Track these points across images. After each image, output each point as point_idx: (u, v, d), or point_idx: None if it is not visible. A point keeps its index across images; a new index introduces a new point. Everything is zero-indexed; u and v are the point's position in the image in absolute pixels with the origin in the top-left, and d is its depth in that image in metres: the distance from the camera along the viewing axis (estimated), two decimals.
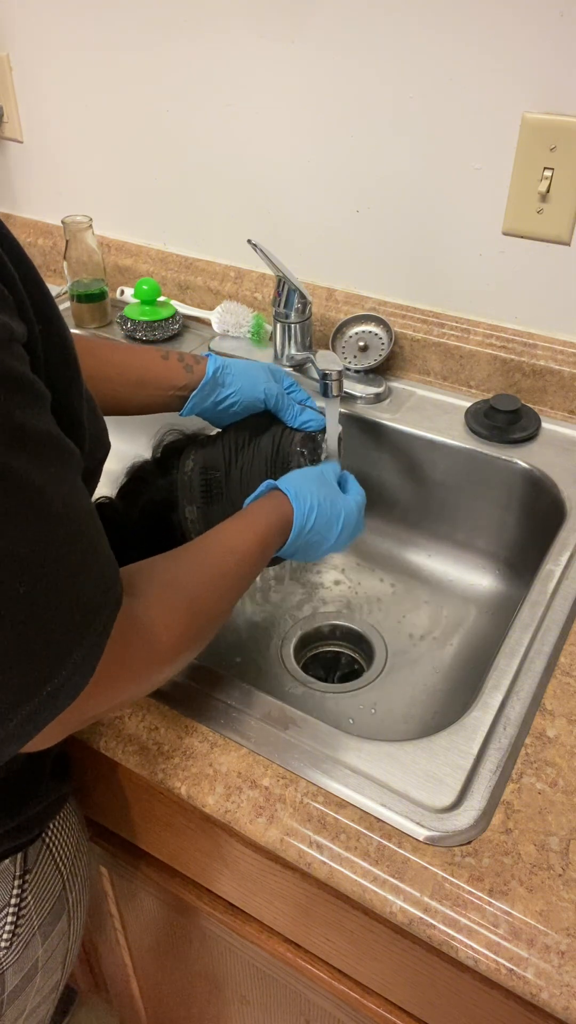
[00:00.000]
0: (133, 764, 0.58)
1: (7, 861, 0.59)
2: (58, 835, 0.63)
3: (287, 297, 0.95)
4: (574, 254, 0.87)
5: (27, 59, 1.15)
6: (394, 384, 1.00)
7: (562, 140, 0.81)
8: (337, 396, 0.78)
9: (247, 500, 0.64)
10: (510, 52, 0.80)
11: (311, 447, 0.73)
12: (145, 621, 0.47)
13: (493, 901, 0.49)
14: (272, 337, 1.01)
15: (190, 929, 0.78)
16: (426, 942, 0.49)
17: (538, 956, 0.46)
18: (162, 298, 1.13)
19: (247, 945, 0.71)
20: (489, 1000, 0.54)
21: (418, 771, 0.56)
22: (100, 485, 0.58)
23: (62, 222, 1.08)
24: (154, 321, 1.09)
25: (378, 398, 0.97)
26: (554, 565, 0.73)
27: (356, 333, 1.00)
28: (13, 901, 0.59)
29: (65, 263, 1.11)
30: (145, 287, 1.09)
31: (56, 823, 0.63)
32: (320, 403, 0.77)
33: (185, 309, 1.14)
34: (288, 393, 0.75)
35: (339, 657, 0.89)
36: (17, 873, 0.60)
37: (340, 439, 0.76)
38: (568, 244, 0.86)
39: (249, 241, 0.87)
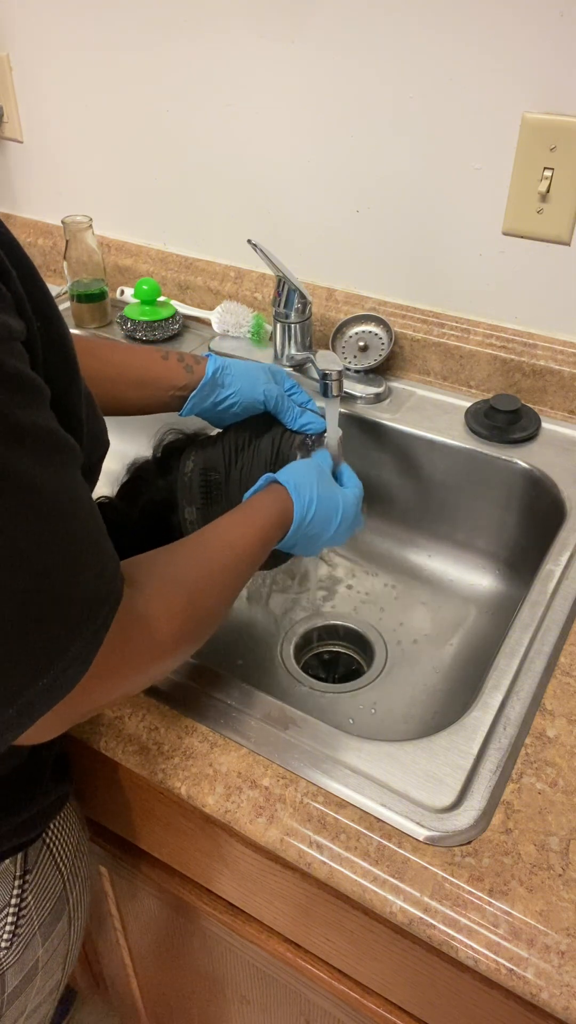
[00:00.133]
0: (133, 764, 0.58)
1: (7, 861, 0.59)
2: (58, 835, 0.63)
3: (287, 297, 0.95)
4: (574, 254, 0.87)
5: (27, 59, 1.15)
6: (394, 384, 1.00)
7: (562, 140, 0.81)
8: (337, 396, 0.78)
9: (246, 494, 0.64)
10: (510, 52, 0.80)
11: (310, 450, 0.73)
12: (145, 614, 0.47)
13: (493, 901, 0.49)
14: (272, 337, 1.01)
15: (190, 929, 0.78)
16: (426, 942, 0.49)
17: (538, 956, 0.46)
18: (162, 298, 1.13)
19: (247, 945, 0.71)
20: (489, 1000, 0.54)
21: (418, 771, 0.56)
22: (100, 484, 0.58)
23: (62, 222, 1.08)
24: (154, 321, 1.09)
25: (378, 398, 0.97)
26: (554, 565, 0.73)
27: (356, 333, 1.00)
28: (13, 901, 0.59)
29: (65, 263, 1.11)
30: (145, 287, 1.09)
31: (56, 823, 0.63)
32: (320, 403, 0.77)
33: (185, 309, 1.14)
34: (289, 395, 0.75)
35: (339, 657, 0.89)
36: (17, 873, 0.60)
37: (340, 438, 0.76)
38: (568, 244, 0.86)
39: (249, 241, 0.87)
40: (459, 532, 0.95)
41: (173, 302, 1.14)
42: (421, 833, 0.52)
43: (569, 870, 0.50)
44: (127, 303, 1.15)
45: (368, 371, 1.00)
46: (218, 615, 0.55)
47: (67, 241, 1.09)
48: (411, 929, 0.49)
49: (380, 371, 1.01)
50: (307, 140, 0.97)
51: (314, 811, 0.54)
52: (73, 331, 0.88)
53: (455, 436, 0.91)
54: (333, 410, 0.76)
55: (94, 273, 1.11)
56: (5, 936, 0.59)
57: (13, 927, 0.60)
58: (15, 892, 0.59)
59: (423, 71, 0.86)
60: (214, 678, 0.63)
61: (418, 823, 0.52)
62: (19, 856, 0.60)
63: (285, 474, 0.65)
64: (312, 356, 0.96)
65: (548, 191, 0.84)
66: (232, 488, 0.71)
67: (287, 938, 0.68)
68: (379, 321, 0.99)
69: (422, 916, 0.49)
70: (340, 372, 0.78)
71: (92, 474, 0.55)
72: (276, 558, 0.67)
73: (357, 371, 1.00)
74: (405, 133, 0.90)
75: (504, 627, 0.70)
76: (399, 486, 0.97)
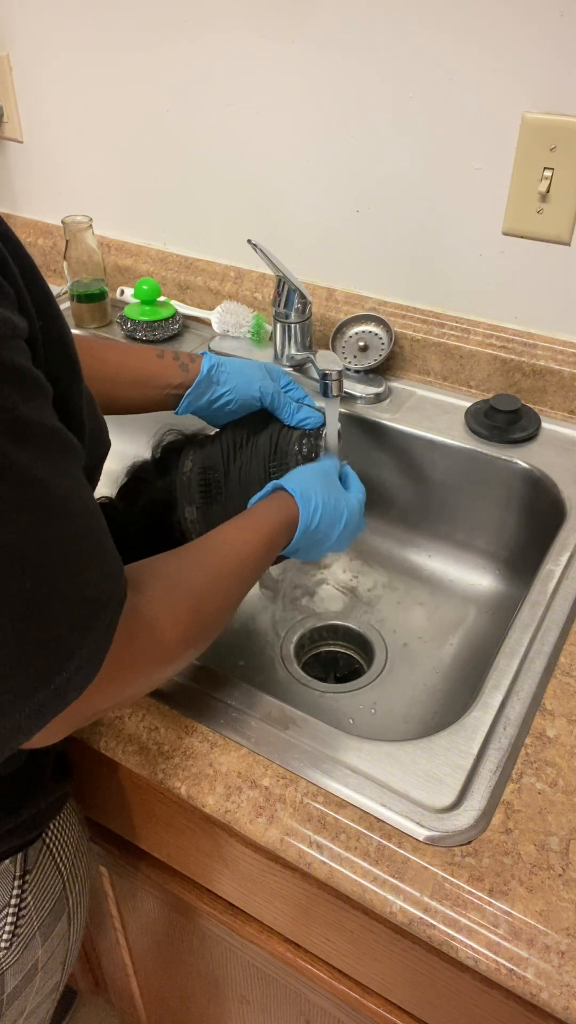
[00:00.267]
0: (133, 764, 0.58)
1: (7, 861, 0.59)
2: (58, 835, 0.63)
3: (287, 297, 0.95)
4: (574, 254, 0.87)
5: (27, 59, 1.15)
6: (394, 384, 1.00)
7: (562, 140, 0.81)
8: (337, 396, 0.78)
9: (252, 499, 0.64)
10: (510, 52, 0.80)
11: (309, 445, 0.72)
12: (150, 617, 0.47)
13: (493, 901, 0.49)
14: (272, 337, 1.01)
15: (190, 929, 0.78)
16: (426, 942, 0.49)
17: (538, 956, 0.46)
18: (162, 298, 1.13)
19: (247, 945, 0.71)
20: (489, 1000, 0.54)
21: (418, 771, 0.56)
22: (100, 485, 0.58)
23: (62, 222, 1.08)
24: (154, 321, 1.09)
25: (378, 398, 0.97)
26: (554, 565, 0.73)
27: (356, 333, 1.00)
28: (13, 902, 0.59)
29: (65, 263, 1.11)
30: (145, 287, 1.09)
31: (56, 823, 0.63)
32: (320, 403, 0.77)
33: (185, 309, 1.14)
34: (286, 391, 0.75)
35: (339, 657, 0.89)
36: (17, 873, 0.60)
37: (340, 438, 0.76)
38: (568, 244, 0.86)
39: (249, 241, 0.87)
40: (459, 532, 0.95)
41: (173, 302, 1.14)
42: (421, 833, 0.52)
43: (569, 870, 0.50)
44: (127, 303, 1.15)
45: (368, 371, 1.00)
46: (222, 620, 0.55)
47: (67, 241, 1.09)
48: (411, 929, 0.49)
49: (380, 371, 1.01)
50: (307, 140, 0.97)
51: (314, 811, 0.54)
52: (72, 331, 0.88)
53: (455, 436, 0.91)
54: (333, 410, 0.76)
55: (94, 273, 1.11)
56: (5, 936, 0.59)
57: (13, 927, 0.60)
58: (15, 892, 0.59)
59: (423, 71, 0.86)
60: (214, 678, 0.63)
61: (418, 823, 0.52)
62: (19, 856, 0.60)
63: (291, 480, 0.65)
64: (312, 356, 0.96)
65: (548, 191, 0.84)
66: (232, 487, 0.71)
67: (287, 938, 0.68)
68: (379, 321, 0.99)
69: (422, 916, 0.49)
70: (340, 372, 0.78)
71: (93, 475, 0.55)
72: (276, 558, 0.67)
73: (357, 371, 1.00)
74: (405, 133, 0.90)
75: (504, 627, 0.70)
76: (399, 486, 0.97)
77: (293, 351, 1.00)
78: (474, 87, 0.84)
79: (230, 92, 0.99)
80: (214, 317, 1.10)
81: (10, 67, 1.17)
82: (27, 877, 0.60)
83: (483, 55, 0.82)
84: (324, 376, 0.78)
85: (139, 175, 1.14)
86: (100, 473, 0.57)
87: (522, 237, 0.89)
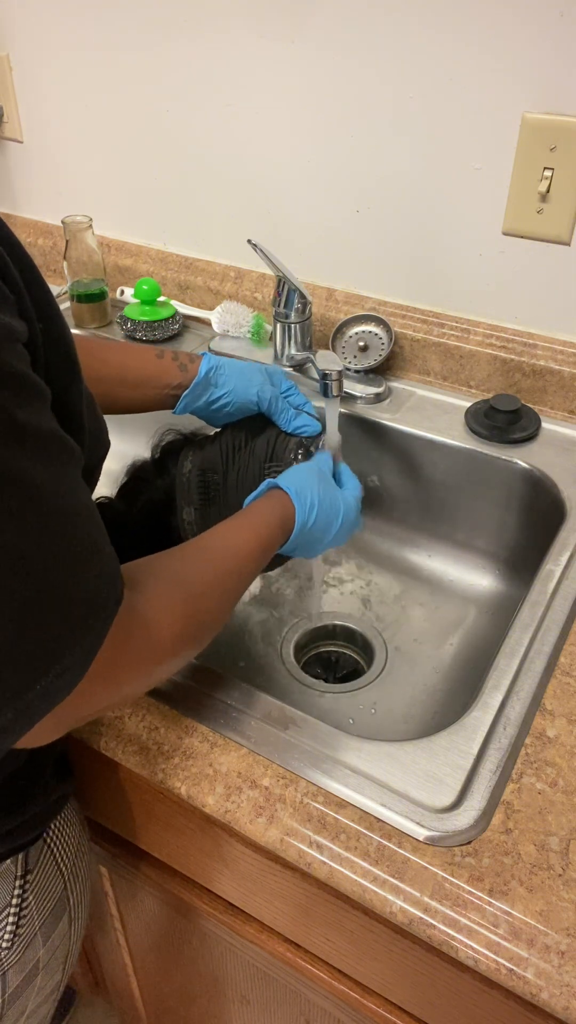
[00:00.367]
0: (133, 764, 0.58)
1: (8, 861, 0.59)
2: (59, 835, 0.63)
3: (287, 297, 0.95)
4: (574, 254, 0.87)
5: (27, 59, 1.15)
6: (394, 384, 1.00)
7: (562, 140, 0.81)
8: (337, 396, 0.78)
9: (248, 499, 0.64)
10: (510, 52, 0.80)
11: (304, 455, 0.72)
12: (145, 617, 0.47)
13: (493, 901, 0.49)
14: (272, 337, 1.01)
15: (190, 929, 0.78)
16: (426, 942, 0.49)
17: (538, 956, 0.46)
18: (162, 298, 1.13)
19: (247, 945, 0.71)
20: (489, 1000, 0.54)
21: (418, 771, 0.56)
22: (100, 485, 0.58)
23: (62, 222, 1.08)
24: (154, 321, 1.09)
25: (378, 398, 0.97)
26: (554, 565, 0.73)
27: (356, 333, 1.00)
28: (14, 902, 0.59)
29: (65, 263, 1.11)
30: (145, 287, 1.09)
31: (57, 823, 0.63)
32: (320, 403, 0.77)
33: (185, 309, 1.14)
34: (286, 396, 0.75)
35: (339, 657, 0.89)
36: (18, 873, 0.60)
37: (338, 440, 0.76)
38: (568, 244, 0.86)
39: (249, 241, 0.87)
40: (459, 532, 0.95)
41: (173, 302, 1.14)
42: (421, 833, 0.52)
43: (569, 870, 0.50)
44: (127, 303, 1.15)
45: (368, 371, 1.00)
46: (219, 619, 0.55)
47: (67, 241, 1.09)
48: (411, 929, 0.49)
49: (380, 371, 1.01)
50: (307, 140, 0.97)
51: (314, 811, 0.54)
52: (72, 331, 0.88)
53: (455, 436, 0.91)
54: (333, 410, 0.76)
55: (94, 273, 1.11)
56: (6, 936, 0.59)
57: (14, 927, 0.60)
58: (16, 892, 0.60)
59: (423, 71, 0.86)
60: (214, 678, 0.63)
61: (418, 823, 0.52)
62: (20, 856, 0.60)
63: (286, 479, 0.65)
64: (312, 356, 0.96)
65: (548, 191, 0.84)
66: (230, 488, 0.71)
67: (287, 938, 0.68)
68: (379, 321, 0.99)
69: (422, 916, 0.49)
70: (340, 372, 0.78)
71: (93, 475, 0.55)
72: (276, 559, 0.67)
73: (357, 371, 1.00)
74: (405, 133, 0.90)
75: (504, 627, 0.70)
76: (399, 486, 0.97)
77: (293, 351, 1.00)
78: (474, 87, 0.84)
79: (230, 92, 0.99)
80: (214, 317, 1.10)
81: (10, 67, 1.17)
82: (28, 877, 0.60)
83: (483, 55, 0.82)
84: (324, 376, 0.78)
85: (139, 175, 1.14)
86: (99, 473, 0.57)
87: (522, 237, 0.89)
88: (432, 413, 0.95)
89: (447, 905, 0.49)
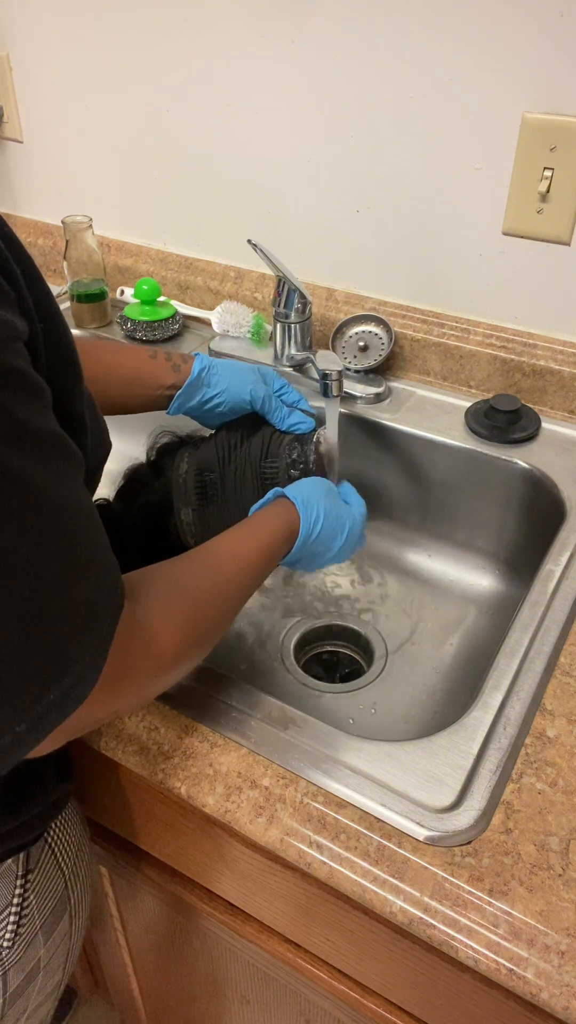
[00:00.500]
0: (133, 764, 0.58)
1: (9, 861, 0.59)
2: (60, 835, 0.63)
3: (287, 297, 0.95)
4: (574, 254, 0.87)
5: (27, 59, 1.15)
6: (394, 384, 1.00)
7: (562, 140, 0.81)
8: (337, 396, 0.78)
9: (253, 507, 0.64)
10: (510, 52, 0.80)
11: (298, 451, 0.72)
12: (147, 626, 0.46)
13: (493, 901, 0.49)
14: (272, 337, 1.01)
15: (190, 929, 0.78)
16: (426, 942, 0.49)
17: (538, 956, 0.47)
18: (162, 298, 1.13)
19: (247, 945, 0.71)
20: (489, 1000, 0.54)
21: (418, 771, 0.56)
22: (100, 485, 0.58)
23: (62, 222, 1.08)
24: (154, 321, 1.09)
25: (378, 398, 0.97)
26: (554, 565, 0.73)
27: (356, 333, 1.00)
28: (16, 901, 0.60)
29: (65, 263, 1.11)
30: (145, 287, 1.09)
31: (58, 823, 0.63)
32: (320, 403, 0.77)
33: (185, 309, 1.14)
34: (280, 395, 0.75)
35: (339, 657, 0.89)
36: (19, 873, 0.60)
37: (337, 440, 0.75)
38: (568, 244, 0.87)
39: (249, 241, 0.87)
40: (459, 532, 0.95)
41: (173, 302, 1.14)
42: (421, 833, 0.52)
43: (569, 870, 0.50)
44: (127, 303, 1.15)
45: (368, 371, 1.00)
46: (221, 627, 0.55)
47: (67, 241, 1.09)
48: (411, 929, 0.49)
49: (380, 371, 1.01)
50: (307, 140, 0.97)
51: (314, 811, 0.54)
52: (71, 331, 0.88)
53: (455, 436, 0.91)
54: (333, 410, 0.76)
55: (94, 273, 1.11)
56: (7, 936, 0.59)
57: (15, 927, 0.60)
58: (17, 892, 0.60)
59: (423, 71, 0.86)
60: (214, 678, 0.63)
61: (418, 823, 0.52)
62: (21, 856, 0.60)
63: (293, 489, 0.65)
64: (312, 356, 0.96)
65: (548, 191, 0.84)
66: (227, 488, 0.71)
67: (287, 938, 0.68)
68: (379, 321, 0.99)
69: (422, 916, 0.49)
70: (340, 372, 0.78)
71: (94, 477, 0.55)
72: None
73: (357, 371, 1.00)
74: (405, 133, 0.90)
75: (504, 627, 0.70)
76: (399, 486, 0.97)
77: (293, 351, 1.00)
78: (474, 87, 0.84)
79: (230, 92, 0.99)
80: (214, 317, 1.10)
81: (10, 67, 1.17)
82: (29, 877, 0.60)
83: (483, 55, 0.82)
84: (324, 376, 0.78)
85: (139, 175, 1.14)
86: (100, 474, 0.57)
87: (522, 237, 0.89)
88: (432, 413, 0.95)
89: (447, 905, 0.49)
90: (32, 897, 0.61)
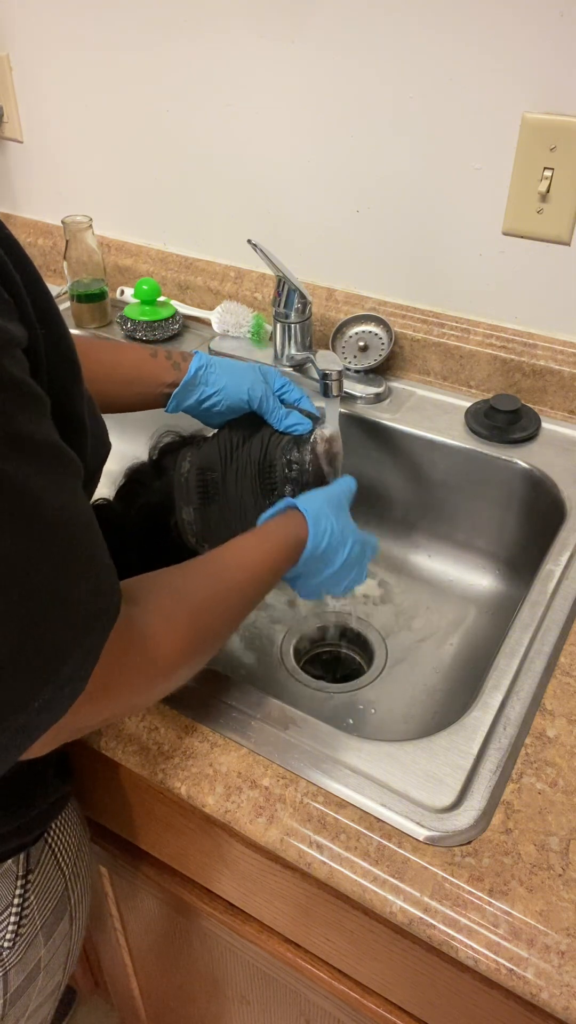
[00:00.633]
0: (133, 764, 0.58)
1: (10, 862, 0.59)
2: (60, 835, 0.64)
3: (287, 297, 0.95)
4: (574, 254, 0.87)
5: (27, 59, 1.15)
6: (394, 384, 1.00)
7: (562, 140, 0.81)
8: (337, 396, 0.78)
9: (263, 516, 0.63)
10: (510, 52, 0.80)
11: (296, 452, 0.71)
12: (145, 630, 0.46)
13: (493, 901, 0.49)
14: (272, 337, 1.01)
15: (190, 929, 0.78)
16: (426, 942, 0.49)
17: (538, 956, 0.47)
18: (162, 298, 1.13)
19: (247, 945, 0.71)
20: (489, 1000, 0.54)
21: (418, 771, 0.56)
22: (100, 485, 0.58)
23: (62, 222, 1.08)
24: (154, 321, 1.09)
25: (378, 398, 0.97)
26: (554, 565, 0.73)
27: (356, 333, 1.00)
28: (16, 902, 0.60)
29: (65, 263, 1.11)
30: (145, 287, 1.09)
31: (58, 823, 0.63)
32: (320, 403, 0.77)
33: (185, 309, 1.14)
34: (281, 394, 0.75)
35: (339, 657, 0.89)
36: (20, 873, 0.60)
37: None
38: (568, 244, 0.87)
39: (249, 241, 0.87)
40: (459, 532, 0.95)
41: (173, 302, 1.14)
42: (421, 833, 0.52)
43: (569, 870, 0.50)
44: (127, 303, 1.15)
45: (368, 371, 1.00)
46: (222, 636, 0.54)
47: (67, 241, 1.09)
48: (411, 929, 0.49)
49: (380, 371, 1.01)
50: (307, 140, 0.97)
51: (314, 811, 0.54)
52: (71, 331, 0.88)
53: (455, 436, 0.91)
54: (333, 410, 0.76)
55: (94, 273, 1.11)
56: (8, 936, 0.59)
57: (16, 927, 0.60)
58: (18, 892, 0.60)
59: (423, 71, 0.86)
60: (214, 678, 0.63)
61: (418, 823, 0.52)
62: (21, 856, 0.60)
63: (305, 500, 0.64)
64: (312, 356, 0.96)
65: (548, 191, 0.84)
66: (229, 487, 0.70)
67: (287, 938, 0.68)
68: (379, 321, 0.99)
69: (422, 916, 0.49)
70: (340, 372, 0.78)
71: (94, 477, 0.55)
72: None
73: (357, 371, 1.00)
74: (405, 133, 0.90)
75: (504, 627, 0.70)
76: (399, 486, 0.97)
77: (293, 351, 1.00)
78: (474, 87, 0.84)
79: (230, 92, 0.99)
80: (214, 317, 1.10)
81: (10, 67, 1.17)
82: (29, 877, 0.60)
83: (483, 55, 0.82)
84: (324, 376, 0.78)
85: (139, 175, 1.14)
86: (100, 475, 0.57)
87: (522, 237, 0.89)
88: (432, 413, 0.95)
89: (447, 905, 0.49)
90: (32, 898, 0.61)
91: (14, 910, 0.59)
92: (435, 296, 0.98)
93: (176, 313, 1.11)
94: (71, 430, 0.42)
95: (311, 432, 0.73)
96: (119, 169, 1.16)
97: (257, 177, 1.03)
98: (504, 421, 0.90)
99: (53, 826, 0.63)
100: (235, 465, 0.71)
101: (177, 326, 1.11)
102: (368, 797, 0.54)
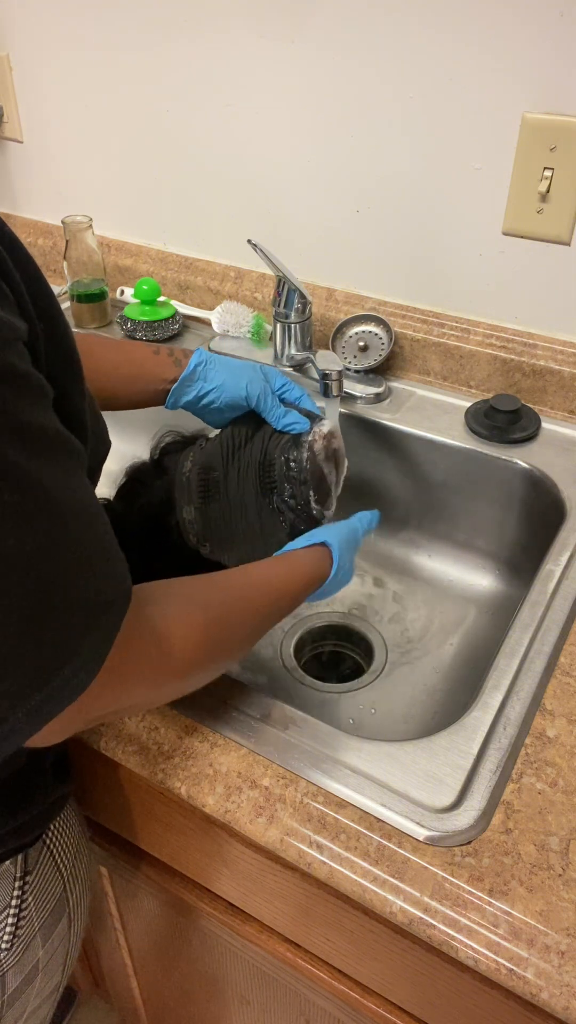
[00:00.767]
0: (133, 764, 0.58)
1: (8, 863, 0.59)
2: (59, 836, 0.63)
3: (287, 297, 0.95)
4: (574, 254, 0.87)
5: (27, 59, 1.15)
6: (394, 384, 1.00)
7: (562, 140, 0.81)
8: (337, 396, 0.78)
9: (292, 544, 0.64)
10: (510, 52, 0.80)
11: (295, 451, 0.71)
12: (160, 630, 0.47)
13: (493, 901, 0.49)
14: (272, 337, 1.01)
15: (190, 929, 0.78)
16: (426, 942, 0.49)
17: (538, 956, 0.46)
18: (162, 298, 1.13)
19: (247, 945, 0.71)
20: (489, 1000, 0.54)
21: (418, 771, 0.56)
22: (100, 485, 0.58)
23: (62, 222, 1.08)
24: (154, 321, 1.09)
25: (378, 398, 0.97)
26: (554, 565, 0.73)
27: (356, 333, 1.00)
28: (14, 903, 0.59)
29: (65, 263, 1.11)
30: (145, 287, 1.09)
31: (57, 824, 0.63)
32: (320, 403, 0.77)
33: (185, 309, 1.14)
34: (281, 393, 0.75)
35: (339, 657, 0.89)
36: (18, 875, 0.60)
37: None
38: (568, 244, 0.86)
39: (249, 241, 0.87)
40: (459, 532, 0.95)
41: (173, 302, 1.14)
42: (421, 833, 0.52)
43: (569, 870, 0.50)
44: (127, 303, 1.15)
45: (368, 371, 1.00)
46: (235, 651, 0.55)
47: (67, 241, 1.09)
48: (411, 929, 0.49)
49: (380, 371, 1.01)
50: (307, 140, 0.97)
51: (314, 811, 0.54)
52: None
53: (455, 436, 0.91)
54: (333, 410, 0.76)
55: (94, 273, 1.11)
56: (6, 937, 0.59)
57: (14, 928, 0.60)
58: (15, 893, 0.59)
59: (423, 71, 0.86)
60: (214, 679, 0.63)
61: (418, 823, 0.52)
62: (19, 857, 0.60)
63: (334, 535, 0.65)
64: (312, 356, 0.96)
65: (548, 191, 0.84)
66: (231, 487, 0.70)
67: (287, 938, 0.68)
68: (379, 321, 0.99)
69: (422, 916, 0.49)
70: (340, 372, 0.78)
71: (94, 475, 0.55)
72: None
73: (357, 371, 1.00)
74: (405, 133, 0.90)
75: (504, 627, 0.70)
76: (399, 486, 0.97)
77: (293, 351, 1.00)
78: (474, 87, 0.84)
79: (230, 92, 0.99)
80: (214, 317, 1.10)
81: (10, 67, 1.17)
82: (28, 878, 0.60)
83: (483, 55, 0.82)
84: (324, 376, 0.78)
85: (139, 175, 1.14)
86: (100, 473, 0.57)
87: (522, 237, 0.89)
88: (432, 413, 0.95)
89: (447, 905, 0.49)
90: (30, 899, 0.61)
91: (11, 911, 0.59)
92: (435, 296, 0.98)
93: (176, 313, 1.11)
94: (71, 428, 0.42)
95: (310, 430, 0.73)
96: (119, 169, 1.16)
97: (257, 177, 1.03)
98: (504, 421, 0.90)
99: (52, 827, 0.63)
100: (237, 464, 0.71)
101: (177, 326, 1.11)
102: (368, 797, 0.54)
